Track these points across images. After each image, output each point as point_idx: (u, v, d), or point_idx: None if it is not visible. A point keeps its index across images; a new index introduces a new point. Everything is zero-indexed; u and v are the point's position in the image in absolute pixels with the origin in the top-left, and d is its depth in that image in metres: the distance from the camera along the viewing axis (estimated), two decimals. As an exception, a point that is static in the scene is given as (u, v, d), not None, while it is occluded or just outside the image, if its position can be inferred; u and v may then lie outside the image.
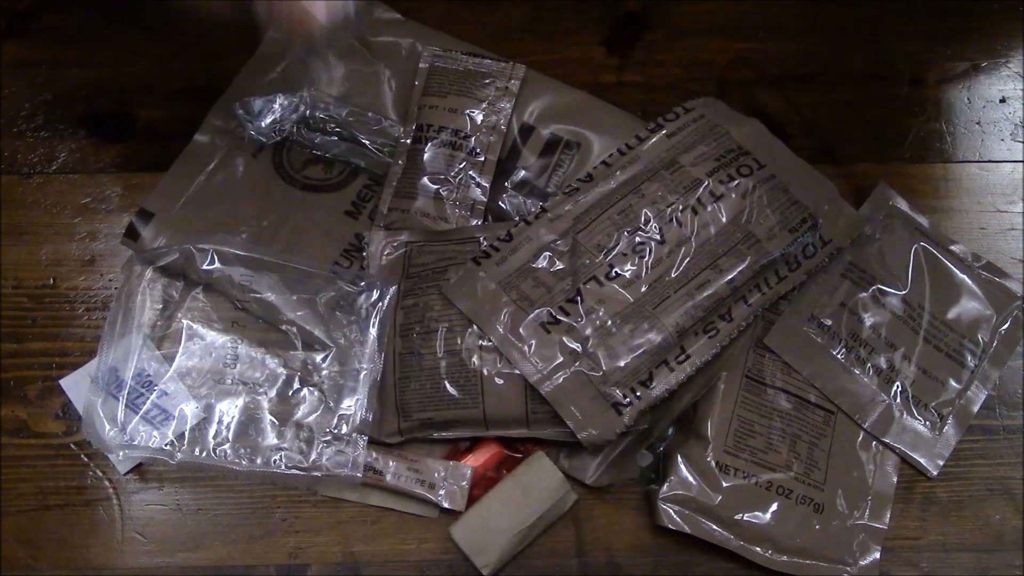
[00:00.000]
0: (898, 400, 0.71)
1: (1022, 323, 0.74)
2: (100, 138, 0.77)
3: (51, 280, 0.73)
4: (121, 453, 0.67)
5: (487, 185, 0.73)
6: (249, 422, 0.68)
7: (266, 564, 0.68)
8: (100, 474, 0.70)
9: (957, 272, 0.74)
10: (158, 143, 0.77)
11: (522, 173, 0.74)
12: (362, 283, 0.69)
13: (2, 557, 0.68)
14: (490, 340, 0.66)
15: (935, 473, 0.71)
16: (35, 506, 0.69)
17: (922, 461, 0.71)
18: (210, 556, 0.68)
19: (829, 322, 0.72)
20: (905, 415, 0.71)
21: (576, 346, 0.66)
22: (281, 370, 0.69)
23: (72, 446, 0.70)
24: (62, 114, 0.77)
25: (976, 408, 0.72)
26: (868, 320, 0.72)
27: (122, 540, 0.69)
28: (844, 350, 0.72)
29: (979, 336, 0.73)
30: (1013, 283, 0.75)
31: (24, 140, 0.77)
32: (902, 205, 0.77)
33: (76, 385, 0.70)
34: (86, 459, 0.70)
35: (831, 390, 0.71)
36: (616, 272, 0.67)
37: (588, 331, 0.66)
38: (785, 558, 0.68)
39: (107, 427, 0.66)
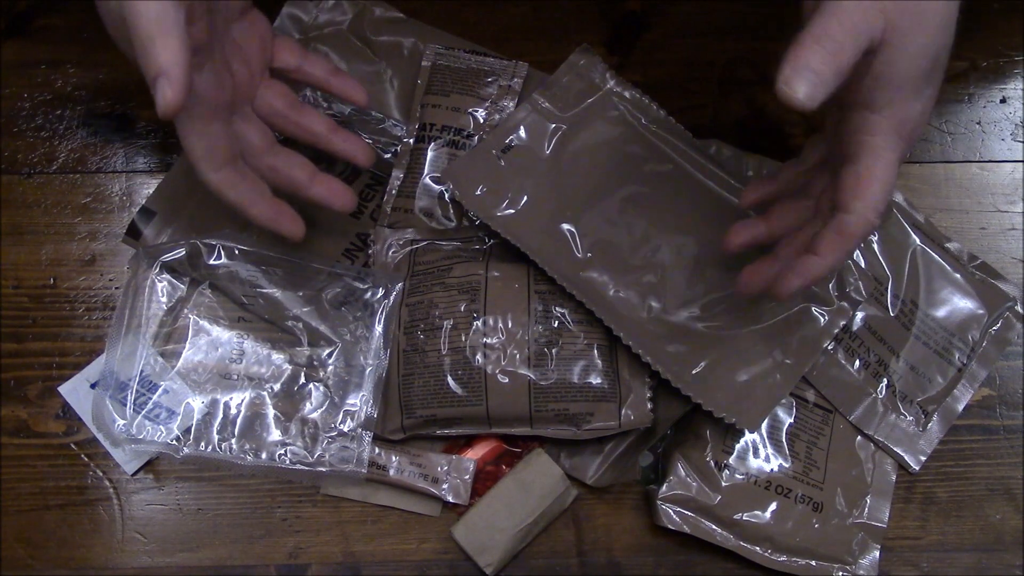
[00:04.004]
0: (883, 395, 0.71)
1: (1013, 324, 0.74)
2: (100, 138, 0.77)
3: (51, 280, 0.73)
4: (128, 449, 0.67)
5: (489, 185, 0.73)
6: (254, 418, 0.68)
7: (266, 564, 0.68)
8: (100, 474, 0.70)
9: (951, 271, 0.74)
10: (158, 143, 0.77)
11: (523, 173, 0.74)
12: (368, 279, 0.69)
13: (2, 557, 0.68)
14: (496, 336, 0.66)
15: (917, 468, 0.71)
16: (35, 506, 0.69)
17: (904, 456, 0.71)
18: (210, 556, 0.68)
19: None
20: (890, 410, 0.71)
21: None
22: (287, 366, 0.69)
23: (72, 446, 0.70)
24: (62, 114, 0.77)
25: (962, 406, 0.72)
26: (860, 315, 0.72)
27: (122, 540, 0.69)
28: (834, 342, 0.71)
29: (969, 335, 0.73)
30: (1006, 284, 0.75)
31: (24, 140, 0.76)
32: (899, 200, 0.77)
33: (75, 391, 0.70)
34: (86, 459, 0.70)
35: (820, 382, 0.71)
36: None
37: None
38: (785, 557, 0.68)
39: (116, 423, 0.66)
